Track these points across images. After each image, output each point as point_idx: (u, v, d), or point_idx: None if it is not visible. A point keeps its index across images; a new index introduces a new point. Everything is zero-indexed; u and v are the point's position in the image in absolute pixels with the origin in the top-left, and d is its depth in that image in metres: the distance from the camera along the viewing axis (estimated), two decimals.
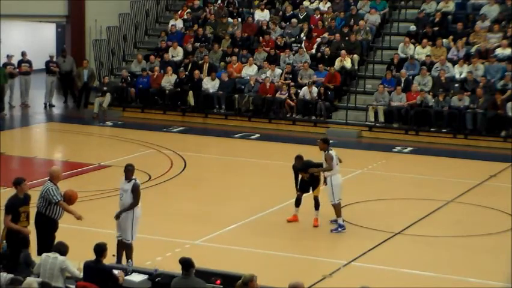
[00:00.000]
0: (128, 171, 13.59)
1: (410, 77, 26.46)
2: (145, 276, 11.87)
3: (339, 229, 16.28)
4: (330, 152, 16.28)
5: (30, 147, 24.89)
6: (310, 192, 16.70)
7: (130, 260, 13.42)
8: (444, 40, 27.45)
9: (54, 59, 30.52)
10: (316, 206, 16.59)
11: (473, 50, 26.84)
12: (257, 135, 25.61)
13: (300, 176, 16.71)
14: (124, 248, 13.57)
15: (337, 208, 16.30)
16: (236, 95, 27.27)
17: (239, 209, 17.65)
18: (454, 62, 26.54)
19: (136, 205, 13.56)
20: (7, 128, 27.23)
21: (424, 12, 28.90)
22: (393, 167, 22.14)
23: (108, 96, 28.14)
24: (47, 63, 29.99)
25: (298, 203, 16.73)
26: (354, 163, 22.21)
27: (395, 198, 19.02)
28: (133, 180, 13.52)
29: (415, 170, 21.65)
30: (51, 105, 29.91)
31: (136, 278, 11.83)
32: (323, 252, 15.39)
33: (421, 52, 27.38)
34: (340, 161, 16.54)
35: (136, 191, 13.48)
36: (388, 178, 20.93)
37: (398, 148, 24.21)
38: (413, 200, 18.79)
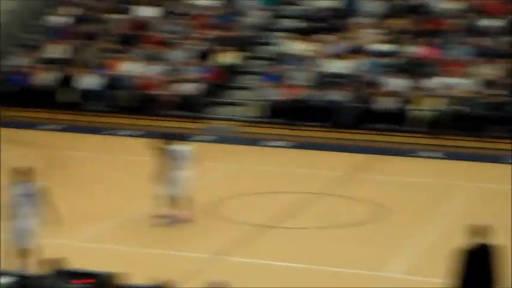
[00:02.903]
0: (26, 173, 13.31)
1: (290, 72, 26.79)
2: (14, 279, 11.72)
3: (171, 221, 16.45)
4: (173, 147, 16.42)
5: None
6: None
7: None
8: (323, 36, 27.86)
9: None
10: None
11: (350, 45, 27.34)
12: (139, 132, 25.36)
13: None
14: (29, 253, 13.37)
15: (176, 202, 16.46)
16: (116, 92, 27.07)
17: (115, 206, 17.60)
18: (332, 57, 26.98)
19: None
20: None
21: (305, 8, 29.29)
22: (268, 162, 22.44)
23: None
24: None
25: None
26: (233, 158, 22.51)
27: (267, 192, 19.26)
28: (35, 183, 13.29)
29: (295, 164, 22.08)
30: None
31: (4, 280, 11.67)
32: (197, 248, 15.38)
33: (302, 48, 27.74)
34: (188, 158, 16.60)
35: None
36: (262, 172, 21.18)
37: (275, 143, 24.51)
38: (284, 194, 19.08)
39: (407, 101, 24.96)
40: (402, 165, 22.36)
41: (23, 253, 13.36)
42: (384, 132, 24.83)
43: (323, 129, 25.34)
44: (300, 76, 26.53)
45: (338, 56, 26.94)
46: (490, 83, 24.88)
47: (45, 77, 27.75)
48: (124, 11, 30.71)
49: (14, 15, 31.14)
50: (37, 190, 13.31)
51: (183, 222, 16.54)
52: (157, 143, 16.78)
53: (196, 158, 16.66)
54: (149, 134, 20.21)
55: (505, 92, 24.51)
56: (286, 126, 25.66)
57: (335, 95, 25.58)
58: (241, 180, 20.42)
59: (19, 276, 11.74)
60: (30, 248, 13.34)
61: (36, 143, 23.35)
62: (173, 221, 16.49)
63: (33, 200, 13.33)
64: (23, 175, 13.38)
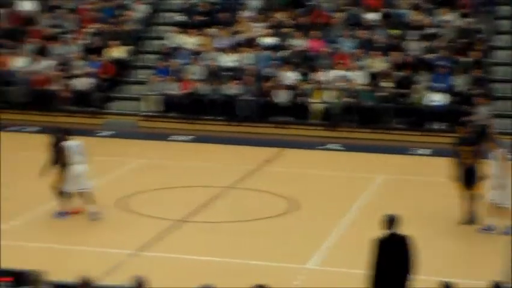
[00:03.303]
0: None
1: (181, 66, 26.97)
2: None
3: (61, 216, 16.58)
4: (66, 142, 16.54)
5: None
6: None
7: None
8: (211, 29, 28.14)
9: None
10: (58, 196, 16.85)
11: (239, 39, 27.73)
12: (36, 128, 24.96)
13: None
14: None
15: (65, 197, 16.59)
16: (7, 88, 26.61)
17: (22, 204, 17.45)
18: (222, 51, 27.32)
19: None
20: None
21: (190, 2, 29.49)
22: (172, 156, 22.59)
23: None
24: None
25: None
26: (133, 153, 22.54)
27: (175, 186, 19.42)
28: None
29: (194, 158, 22.26)
30: None
31: None
32: (109, 244, 15.42)
33: (189, 41, 27.93)
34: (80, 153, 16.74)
35: None
36: (168, 167, 21.31)
37: (175, 137, 24.67)
38: (193, 188, 19.29)
39: (302, 94, 25.60)
40: (305, 157, 22.74)
41: None
42: (283, 126, 25.35)
43: (220, 123, 25.68)
44: (192, 70, 26.76)
45: (227, 49, 27.26)
46: (377, 75, 25.79)
47: None
48: (6, 5, 30.05)
49: None
50: None
51: (77, 214, 16.66)
52: (50, 138, 16.92)
53: (87, 152, 16.75)
54: (44, 130, 19.85)
55: (391, 84, 25.48)
56: (183, 120, 25.85)
57: (229, 89, 25.96)
58: (147, 174, 20.48)
59: None
60: None
61: None
62: (69, 215, 16.60)
63: None
64: None
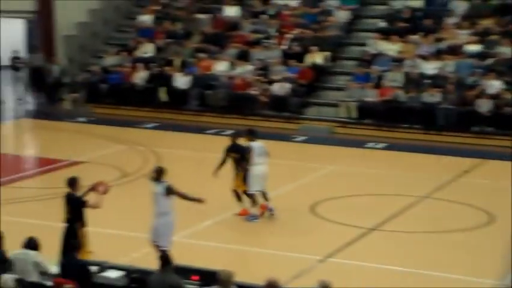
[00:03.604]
0: (156, 173, 13.48)
1: (381, 73, 26.57)
2: (122, 273, 11.82)
3: (251, 218, 16.53)
4: (252, 143, 16.54)
5: (1, 143, 24.64)
6: None
7: None
8: (413, 36, 27.58)
9: (19, 55, 30.25)
10: (238, 198, 16.91)
11: (442, 46, 27.00)
12: (230, 131, 25.47)
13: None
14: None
15: (251, 198, 16.57)
16: (208, 91, 27.23)
17: (213, 205, 17.60)
18: (424, 58, 26.67)
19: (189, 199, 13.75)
20: None
21: (393, 8, 29.06)
22: (366, 163, 22.23)
23: (80, 92, 28.02)
24: (12, 59, 29.76)
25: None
26: (327, 159, 22.38)
27: (368, 194, 19.09)
28: (164, 183, 13.42)
29: (388, 166, 21.79)
30: (24, 101, 29.66)
31: (113, 274, 11.78)
32: (298, 249, 15.33)
33: (391, 48, 27.51)
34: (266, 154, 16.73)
35: (170, 192, 13.41)
36: (361, 174, 21.00)
37: (371, 144, 24.27)
38: (387, 196, 18.89)
39: (506, 104, 24.47)
40: (507, 170, 21.32)
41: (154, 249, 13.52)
42: (485, 136, 24.34)
43: (417, 131, 25.03)
44: (392, 77, 26.26)
45: (429, 56, 26.59)
46: None
47: (137, 76, 28.03)
48: (211, 11, 30.87)
49: (100, 14, 31.61)
50: (164, 190, 13.40)
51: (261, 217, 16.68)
52: (230, 140, 17.03)
53: (268, 154, 16.75)
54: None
55: None
56: (379, 128, 25.44)
57: (429, 97, 25.24)
58: (340, 181, 20.28)
59: (127, 270, 11.84)
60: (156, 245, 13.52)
61: (132, 140, 23.57)
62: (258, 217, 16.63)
63: (159, 200, 13.44)
64: (154, 175, 13.52)
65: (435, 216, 17.47)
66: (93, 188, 13.17)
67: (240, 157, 16.87)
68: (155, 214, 13.56)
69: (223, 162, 16.99)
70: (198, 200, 13.84)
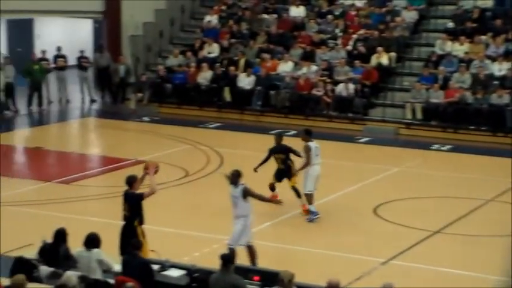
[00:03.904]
0: (234, 176, 13.53)
1: (448, 74, 26.21)
2: (183, 272, 11.83)
3: (313, 217, 16.42)
4: (310, 143, 16.43)
5: (67, 142, 25.03)
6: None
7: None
8: (482, 37, 27.13)
9: (85, 54, 30.62)
10: (298, 195, 16.87)
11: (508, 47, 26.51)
12: (293, 131, 25.47)
13: (276, 165, 17.19)
14: (252, 252, 13.62)
15: (307, 198, 16.51)
16: (272, 92, 27.20)
17: (273, 205, 17.56)
18: (492, 59, 26.23)
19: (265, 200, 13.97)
20: (45, 123, 27.49)
21: (462, 8, 28.63)
22: (431, 165, 21.93)
23: (146, 92, 28.24)
24: (78, 58, 30.14)
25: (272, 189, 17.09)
26: (392, 161, 22.15)
27: (433, 196, 18.82)
28: (241, 186, 13.46)
29: (453, 168, 21.45)
30: (93, 100, 30.04)
31: (174, 273, 11.80)
32: (360, 250, 15.20)
33: (459, 49, 27.11)
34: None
35: (247, 194, 13.46)
36: (426, 176, 20.72)
37: (436, 146, 23.92)
38: (452, 199, 18.58)
39: None
40: None
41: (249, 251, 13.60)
42: None
43: (484, 134, 24.58)
44: (459, 78, 25.86)
45: (498, 57, 26.12)
46: None
47: (202, 76, 28.12)
48: (277, 11, 30.84)
49: (166, 14, 31.82)
50: (241, 192, 13.45)
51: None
52: (275, 140, 17.19)
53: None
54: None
55: None
56: (445, 129, 25.09)
57: (497, 98, 24.78)
58: (404, 183, 20.05)
59: (189, 269, 11.84)
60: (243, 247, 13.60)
61: (195, 140, 23.65)
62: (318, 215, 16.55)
63: (237, 203, 13.51)
64: (231, 178, 13.58)
65: (501, 220, 17.06)
66: (145, 171, 13.18)
67: (285, 157, 16.88)
68: (234, 217, 13.59)
69: (265, 161, 17.26)
70: (275, 202, 13.87)
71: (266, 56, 28.36)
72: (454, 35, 27.63)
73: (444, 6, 29.57)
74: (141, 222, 12.91)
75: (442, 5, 29.66)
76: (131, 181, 13.01)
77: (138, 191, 12.89)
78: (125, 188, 12.97)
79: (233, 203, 13.59)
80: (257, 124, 26.47)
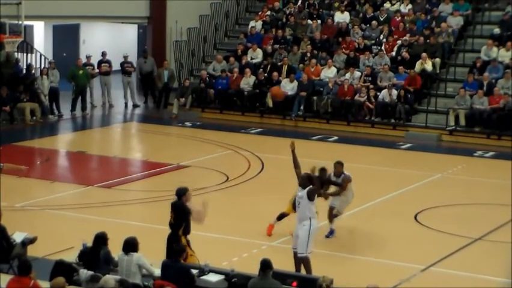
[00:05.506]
0: (303, 179, 13.49)
1: (493, 81, 25.95)
2: (222, 277, 11.85)
3: (330, 235, 15.90)
4: (348, 174, 15.78)
5: (109, 146, 25.22)
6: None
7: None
8: None
9: (129, 60, 30.83)
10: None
11: None
12: (335, 137, 25.44)
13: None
14: (299, 261, 13.40)
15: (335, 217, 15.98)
16: (314, 97, 27.14)
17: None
18: None
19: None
20: (88, 127, 27.73)
21: (509, 14, 28.32)
22: (474, 172, 21.73)
23: (187, 97, 28.36)
24: (122, 64, 30.35)
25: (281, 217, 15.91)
26: (435, 167, 21.96)
27: (475, 203, 18.65)
28: (307, 188, 13.37)
29: (497, 175, 21.19)
30: (135, 105, 30.25)
31: (213, 278, 11.83)
32: (399, 257, 15.07)
33: (505, 55, 26.84)
34: None
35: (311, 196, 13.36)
36: (469, 183, 20.58)
37: (480, 152, 23.72)
38: (495, 206, 18.37)
39: None
40: None
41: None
42: None
43: None
44: (504, 84, 25.59)
45: None
46: None
47: (244, 82, 28.16)
48: (321, 17, 30.80)
49: (210, 20, 31.93)
50: (306, 195, 13.34)
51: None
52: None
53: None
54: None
55: None
56: (488, 136, 24.87)
57: None
58: (446, 189, 19.87)
59: (227, 274, 11.86)
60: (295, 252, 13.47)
61: (237, 145, 23.69)
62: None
63: (302, 205, 13.40)
64: (302, 181, 13.49)
65: None
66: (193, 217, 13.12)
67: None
68: (298, 220, 13.48)
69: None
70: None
71: (309, 61, 28.28)
72: (499, 40, 27.36)
73: (491, 12, 29.28)
74: (185, 232, 12.90)
75: (488, 11, 29.37)
76: (180, 194, 12.96)
77: (188, 204, 12.85)
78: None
79: (298, 205, 13.44)
80: (299, 130, 26.41)
